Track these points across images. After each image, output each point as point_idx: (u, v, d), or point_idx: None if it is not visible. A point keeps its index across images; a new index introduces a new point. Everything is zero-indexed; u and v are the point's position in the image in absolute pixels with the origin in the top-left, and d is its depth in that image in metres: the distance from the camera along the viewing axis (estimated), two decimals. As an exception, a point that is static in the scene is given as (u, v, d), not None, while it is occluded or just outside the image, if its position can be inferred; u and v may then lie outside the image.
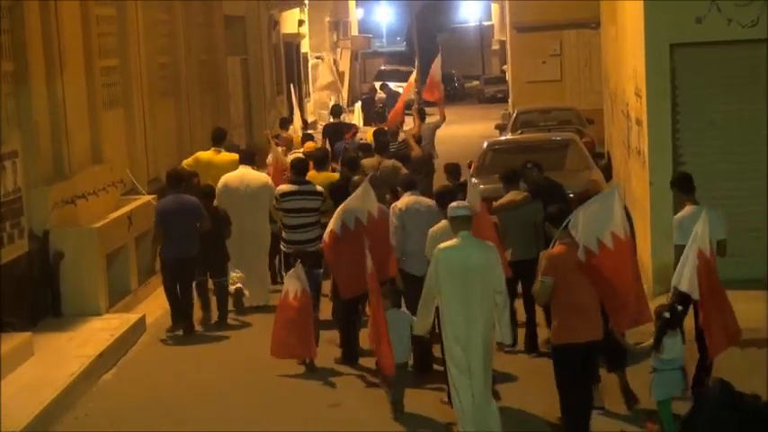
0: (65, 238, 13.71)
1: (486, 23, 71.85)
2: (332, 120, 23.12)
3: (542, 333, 11.96)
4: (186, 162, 16.43)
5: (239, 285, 14.68)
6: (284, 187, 13.62)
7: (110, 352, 12.57)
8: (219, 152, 16.31)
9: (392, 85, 45.41)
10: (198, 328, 13.83)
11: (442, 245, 9.57)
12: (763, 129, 13.57)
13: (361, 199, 11.69)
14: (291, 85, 30.62)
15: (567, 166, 17.95)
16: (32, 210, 13.26)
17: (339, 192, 12.97)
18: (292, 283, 11.68)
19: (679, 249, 10.29)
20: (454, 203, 9.82)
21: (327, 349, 12.37)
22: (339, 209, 11.86)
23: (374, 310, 10.43)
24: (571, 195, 12.43)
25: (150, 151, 18.61)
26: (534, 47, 34.65)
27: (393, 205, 12.02)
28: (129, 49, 17.84)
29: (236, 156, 15.93)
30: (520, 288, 12.23)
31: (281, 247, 13.61)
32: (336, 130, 21.16)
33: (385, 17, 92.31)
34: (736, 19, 13.28)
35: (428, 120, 21.85)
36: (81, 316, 13.57)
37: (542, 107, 27.12)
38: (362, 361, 11.95)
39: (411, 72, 27.42)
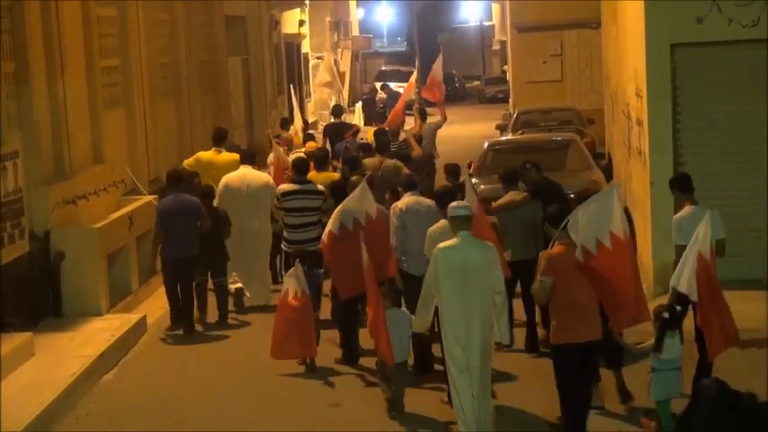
0: (66, 239, 13.72)
1: (486, 23, 71.88)
2: (333, 120, 23.14)
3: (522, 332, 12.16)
4: (187, 162, 16.44)
5: (240, 285, 14.70)
6: (285, 186, 13.63)
7: (111, 352, 12.57)
8: (220, 152, 16.32)
9: (393, 85, 45.44)
10: (197, 327, 13.83)
11: (442, 244, 9.59)
12: (763, 129, 13.56)
13: (359, 199, 11.72)
14: (291, 85, 30.63)
15: (567, 166, 17.96)
16: (33, 210, 13.26)
17: (340, 191, 12.98)
18: (291, 283, 11.69)
19: (678, 249, 10.30)
20: (454, 203, 9.85)
21: (328, 349, 12.38)
22: (337, 209, 11.88)
23: (372, 303, 10.45)
24: (572, 196, 12.44)
25: (151, 151, 18.62)
26: (535, 47, 34.66)
27: (394, 205, 12.05)
28: (130, 49, 17.85)
29: (236, 156, 15.94)
30: (519, 288, 12.24)
31: (282, 246, 13.62)
32: (337, 130, 21.18)
33: (386, 17, 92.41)
34: (736, 19, 13.28)
35: (429, 120, 21.87)
36: (82, 316, 13.57)
37: (543, 107, 27.13)
38: (363, 361, 11.96)
39: (412, 72, 27.41)
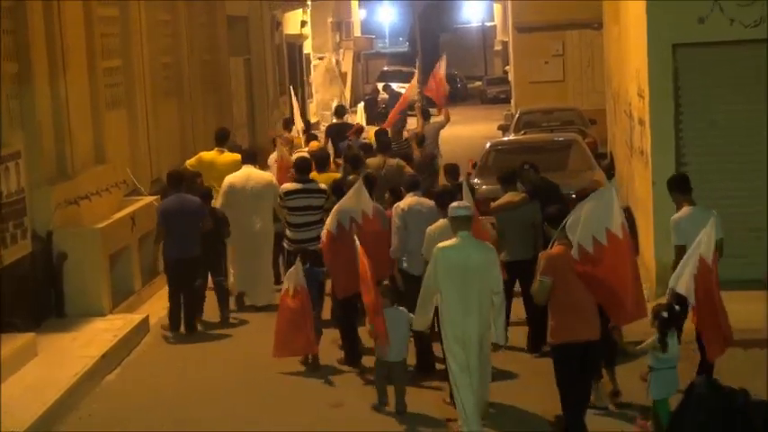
0: (68, 239, 13.72)
1: (488, 24, 71.86)
2: (335, 120, 23.16)
3: (522, 331, 12.31)
4: (189, 162, 16.47)
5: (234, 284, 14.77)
6: (288, 185, 13.66)
7: (113, 352, 12.58)
8: (222, 152, 16.36)
9: (395, 85, 45.43)
10: (198, 327, 13.86)
11: (442, 244, 9.66)
12: (765, 129, 13.56)
13: (355, 199, 11.77)
14: (291, 87, 30.63)
15: (569, 166, 17.96)
16: (35, 210, 13.27)
17: (342, 189, 13.01)
18: (291, 280, 11.73)
19: (677, 250, 10.32)
20: (455, 203, 9.93)
21: (330, 349, 12.39)
22: (334, 209, 11.95)
23: (367, 292, 10.53)
24: (573, 196, 12.47)
25: (153, 151, 18.63)
26: (537, 47, 34.64)
27: (396, 205, 12.10)
28: (132, 49, 17.86)
29: (238, 156, 15.96)
30: (518, 288, 12.28)
31: (284, 244, 13.64)
32: (340, 131, 21.22)
33: (387, 18, 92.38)
34: (738, 19, 13.28)
35: (432, 120, 21.89)
36: (84, 316, 13.57)
37: (545, 108, 27.12)
38: (365, 360, 11.95)
39: (413, 73, 27.41)
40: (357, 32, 59.78)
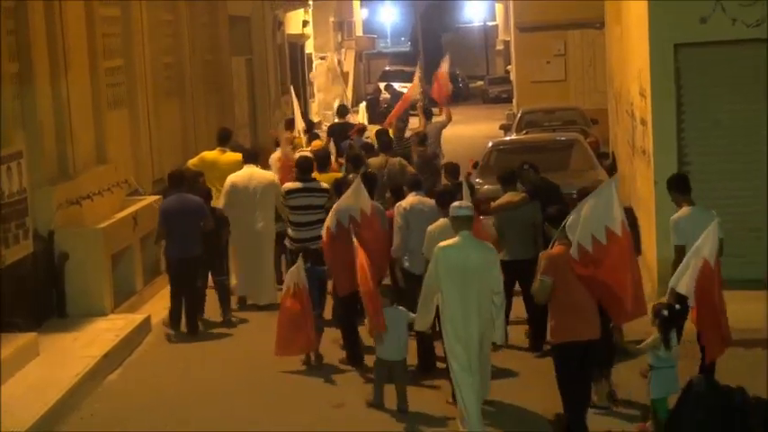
0: (70, 239, 13.72)
1: (490, 24, 71.87)
2: (337, 120, 23.17)
3: (523, 330, 12.37)
4: (191, 162, 16.47)
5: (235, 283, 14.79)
6: (290, 185, 13.68)
7: (115, 352, 12.58)
8: (224, 152, 16.37)
9: (396, 85, 45.49)
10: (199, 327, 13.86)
11: (442, 243, 9.69)
12: (765, 128, 13.56)
13: (354, 197, 11.78)
14: (292, 87, 30.62)
15: (571, 166, 17.95)
16: (37, 210, 13.27)
17: (344, 187, 13.02)
18: (292, 279, 11.74)
19: (677, 250, 10.33)
20: (456, 203, 9.97)
21: (332, 349, 12.39)
22: (333, 207, 11.98)
23: (363, 280, 10.59)
24: (574, 196, 12.46)
25: (155, 151, 18.63)
26: (538, 47, 34.66)
27: (398, 204, 12.16)
28: (134, 49, 17.86)
29: (240, 156, 15.95)
30: (518, 287, 12.30)
31: (286, 243, 13.65)
32: (342, 130, 21.23)
33: (389, 17, 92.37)
34: (740, 18, 13.27)
35: (434, 119, 21.88)
36: (86, 316, 13.57)
37: (547, 107, 27.11)
38: (366, 360, 11.95)
39: (415, 72, 27.44)
40: (359, 32, 59.78)
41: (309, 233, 13.09)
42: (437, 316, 9.94)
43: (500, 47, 62.59)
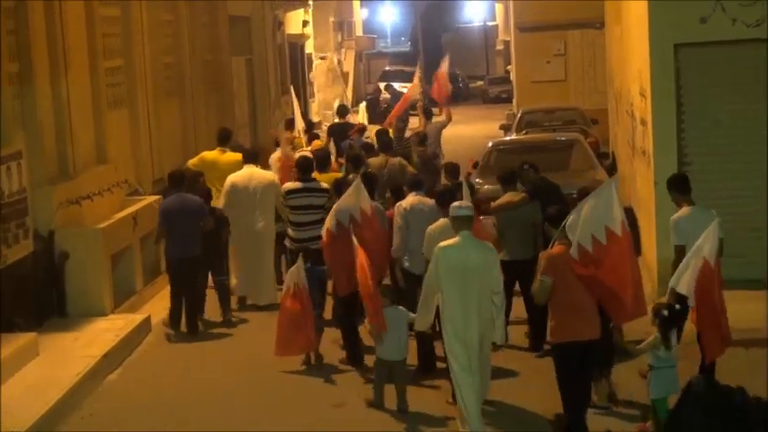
0: (70, 239, 13.73)
1: (490, 24, 71.88)
2: (337, 120, 23.18)
3: (523, 329, 12.40)
4: (192, 162, 16.49)
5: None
6: (290, 184, 13.68)
7: (115, 352, 12.58)
8: (225, 152, 16.38)
9: (397, 85, 45.49)
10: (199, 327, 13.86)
11: (443, 243, 9.70)
12: (765, 128, 13.56)
13: (354, 197, 11.79)
14: (292, 87, 30.62)
15: (571, 166, 17.96)
16: (37, 210, 13.27)
17: (344, 187, 13.03)
18: (292, 279, 11.75)
19: (677, 250, 10.33)
20: (456, 203, 9.98)
21: (332, 349, 12.39)
22: (333, 207, 11.98)
23: (363, 280, 10.61)
24: (574, 196, 12.47)
25: (155, 151, 18.63)
26: (538, 47, 34.66)
27: (398, 204, 12.18)
28: (134, 49, 17.86)
29: (240, 156, 15.96)
30: (518, 287, 12.31)
31: (286, 243, 13.66)
32: (342, 130, 21.24)
33: (389, 17, 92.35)
34: (740, 18, 13.27)
35: (434, 119, 21.89)
36: (86, 316, 13.58)
37: (547, 107, 27.11)
38: (366, 360, 11.95)
39: (415, 72, 27.48)
40: (359, 32, 59.77)
41: (309, 233, 13.09)
42: (437, 316, 9.95)
43: (500, 47, 62.60)
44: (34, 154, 13.41)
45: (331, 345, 12.48)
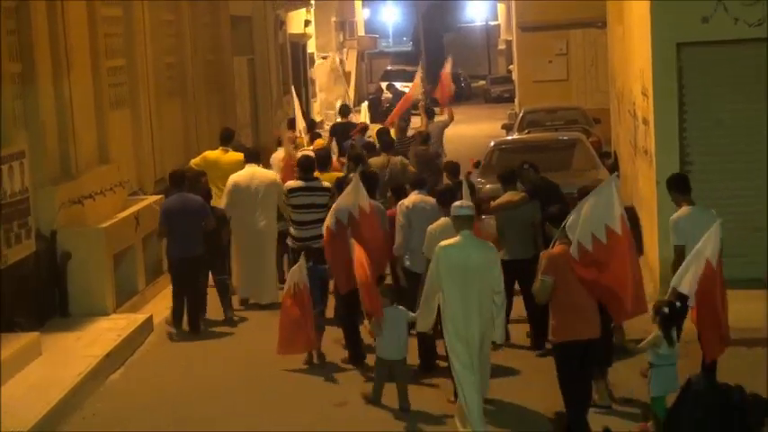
0: (72, 238, 13.73)
1: (492, 23, 71.87)
2: (339, 119, 23.18)
3: (524, 328, 12.41)
4: (194, 161, 16.53)
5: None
6: (292, 183, 13.70)
7: (117, 352, 12.59)
8: (227, 152, 16.40)
9: (398, 85, 45.47)
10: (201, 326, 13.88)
11: (444, 243, 9.72)
12: (766, 128, 13.56)
13: (352, 194, 11.80)
14: (293, 87, 30.62)
15: (573, 165, 17.95)
16: (40, 210, 13.28)
17: (346, 186, 13.04)
18: (293, 278, 11.76)
19: (677, 250, 10.33)
20: (458, 203, 9.98)
21: (333, 348, 12.40)
22: (333, 206, 11.98)
23: (360, 269, 10.66)
24: (575, 195, 12.48)
25: (157, 151, 18.64)
26: (540, 46, 34.66)
27: (400, 203, 12.22)
28: (136, 49, 17.87)
29: (242, 155, 15.98)
30: (517, 286, 12.32)
31: (288, 242, 13.67)
32: (344, 130, 21.25)
33: (391, 17, 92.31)
34: (742, 18, 13.28)
35: (437, 119, 21.90)
36: (88, 316, 13.59)
37: (549, 107, 27.11)
38: (369, 359, 11.96)
39: (417, 72, 27.49)
40: (361, 32, 59.76)
41: (311, 232, 13.09)
42: (438, 315, 9.95)
43: (502, 46, 62.59)
44: (36, 154, 13.42)
45: (333, 344, 12.48)
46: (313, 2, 40.77)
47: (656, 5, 13.64)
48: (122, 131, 17.16)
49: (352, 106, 33.73)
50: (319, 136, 20.77)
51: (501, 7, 59.95)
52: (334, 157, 18.27)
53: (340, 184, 13.00)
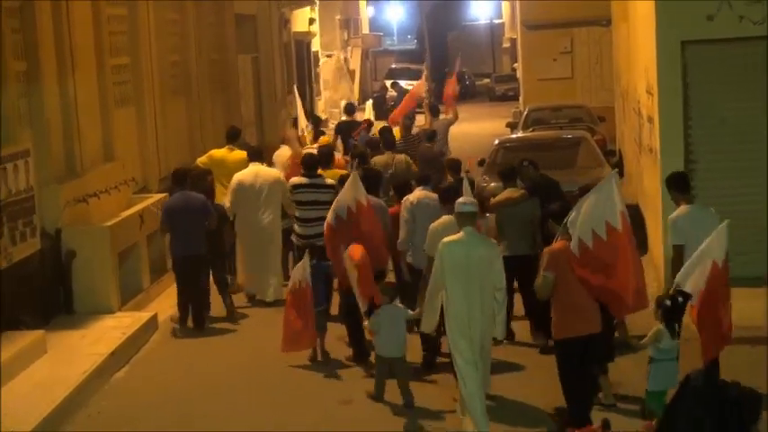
0: (77, 237, 13.75)
1: (496, 21, 71.80)
2: (344, 118, 23.21)
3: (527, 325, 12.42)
4: (201, 160, 16.58)
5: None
6: (296, 180, 13.74)
7: (122, 350, 12.60)
8: (233, 150, 16.43)
9: (403, 83, 45.46)
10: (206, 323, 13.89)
11: (446, 239, 9.74)
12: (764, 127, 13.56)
13: (351, 191, 11.80)
14: (296, 86, 30.63)
15: (578, 163, 17.97)
16: (44, 208, 13.29)
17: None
18: (297, 274, 11.78)
19: (676, 249, 10.33)
20: (461, 199, 9.97)
21: (337, 346, 12.40)
22: (333, 203, 11.98)
23: (358, 262, 10.74)
24: (576, 193, 12.50)
25: (161, 150, 18.66)
26: (545, 45, 34.63)
27: (405, 198, 12.30)
28: (141, 47, 17.89)
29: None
30: (516, 284, 12.33)
31: (293, 239, 13.67)
32: (349, 128, 21.28)
33: (395, 15, 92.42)
34: (747, 16, 13.25)
35: (441, 116, 21.92)
36: (93, 314, 13.60)
37: (553, 105, 27.09)
38: (373, 356, 11.96)
39: (421, 70, 27.48)
40: (365, 30, 59.83)
41: (315, 229, 13.11)
42: (441, 312, 9.96)
43: (506, 44, 62.53)
44: (41, 152, 13.44)
45: (337, 341, 12.49)
46: (317, 0, 40.78)
47: (660, 3, 13.63)
48: (127, 130, 17.18)
49: (356, 104, 33.73)
50: (323, 134, 20.78)
51: (505, 5, 59.93)
52: (339, 155, 18.28)
53: (343, 182, 13.02)
